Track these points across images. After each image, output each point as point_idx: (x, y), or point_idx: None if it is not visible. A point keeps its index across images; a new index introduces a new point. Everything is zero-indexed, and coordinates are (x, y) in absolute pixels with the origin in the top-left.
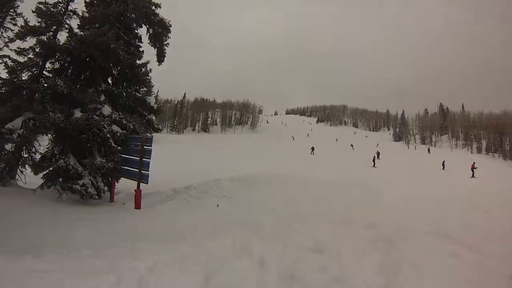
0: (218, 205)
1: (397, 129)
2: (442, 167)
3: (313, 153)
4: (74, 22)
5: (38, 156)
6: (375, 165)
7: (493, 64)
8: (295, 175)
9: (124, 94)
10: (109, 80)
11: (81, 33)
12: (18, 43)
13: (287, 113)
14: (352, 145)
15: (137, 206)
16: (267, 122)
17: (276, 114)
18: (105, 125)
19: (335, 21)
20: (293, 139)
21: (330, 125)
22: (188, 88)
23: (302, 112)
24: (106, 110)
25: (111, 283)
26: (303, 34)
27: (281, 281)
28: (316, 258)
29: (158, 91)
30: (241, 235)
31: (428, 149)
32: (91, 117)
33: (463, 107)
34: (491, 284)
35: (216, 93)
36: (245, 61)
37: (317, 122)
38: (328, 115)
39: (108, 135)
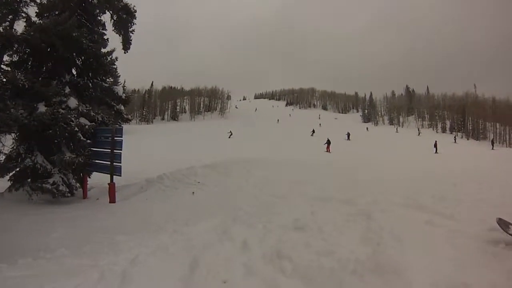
0: (193, 192)
1: (366, 110)
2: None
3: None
4: (32, 10)
5: (2, 157)
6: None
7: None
8: (268, 158)
9: (90, 85)
10: (74, 71)
11: (40, 21)
12: None
13: (256, 97)
14: (313, 131)
15: (112, 200)
16: (236, 107)
17: (244, 99)
18: (72, 118)
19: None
20: (278, 121)
21: (299, 108)
22: (156, 76)
23: (271, 96)
24: (72, 102)
25: (94, 279)
26: (286, 15)
27: (268, 261)
28: (299, 235)
29: (125, 81)
30: (220, 220)
31: (396, 129)
32: (57, 110)
33: (428, 89)
34: (463, 243)
35: (188, 79)
36: (224, 43)
37: (286, 105)
38: (297, 98)
39: (76, 129)
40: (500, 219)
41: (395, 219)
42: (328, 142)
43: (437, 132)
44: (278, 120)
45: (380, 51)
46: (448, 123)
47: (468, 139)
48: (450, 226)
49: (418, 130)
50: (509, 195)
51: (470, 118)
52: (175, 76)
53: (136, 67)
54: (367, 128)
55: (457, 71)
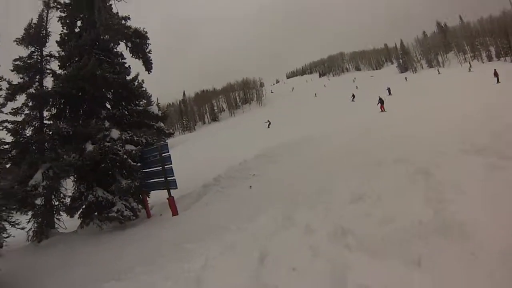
0: (250, 186)
1: (400, 60)
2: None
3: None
4: (54, 65)
5: (68, 200)
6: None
7: None
8: (312, 136)
9: (126, 112)
10: (108, 105)
11: (64, 72)
12: (10, 105)
13: (288, 77)
14: (353, 96)
15: (174, 212)
16: (272, 92)
17: (277, 82)
18: (119, 148)
19: None
20: (315, 96)
21: (333, 76)
22: (186, 83)
23: (302, 72)
24: (115, 133)
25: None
26: None
27: (332, 239)
28: (359, 207)
29: (157, 99)
30: (280, 208)
31: (438, 70)
32: (103, 145)
33: (461, 18)
34: None
35: (216, 78)
36: (245, 32)
37: (319, 77)
38: (328, 67)
39: (125, 156)
40: None
41: (455, 169)
42: (381, 101)
43: (483, 62)
44: (315, 94)
45: None
46: (493, 49)
47: None
48: None
49: (470, 64)
50: None
51: None
52: (205, 77)
53: (165, 82)
54: (405, 78)
55: None
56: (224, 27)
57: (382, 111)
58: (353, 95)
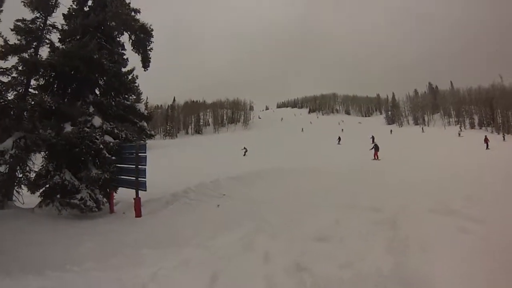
0: (218, 205)
1: (389, 112)
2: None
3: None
4: (55, 36)
5: (33, 175)
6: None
7: (478, 40)
8: (291, 167)
9: (113, 103)
10: (97, 91)
11: (63, 46)
12: (0, 63)
13: (278, 106)
14: (339, 139)
15: (138, 214)
16: (259, 118)
17: (267, 109)
18: (97, 136)
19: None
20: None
21: (322, 115)
22: (178, 89)
23: (293, 104)
24: (97, 121)
25: None
26: (303, 21)
27: (289, 273)
28: (322, 246)
29: (147, 98)
30: (244, 232)
31: (422, 128)
32: (82, 129)
33: (451, 84)
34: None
35: (208, 91)
36: (242, 51)
37: (308, 112)
38: (319, 104)
39: (101, 146)
40: None
41: (423, 225)
42: (376, 147)
43: (464, 128)
44: (302, 129)
45: (400, 50)
46: (476, 118)
47: (498, 133)
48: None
49: (460, 129)
50: None
51: (499, 110)
52: (197, 88)
53: (157, 84)
54: (390, 131)
55: (481, 64)
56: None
57: (375, 158)
58: (339, 138)
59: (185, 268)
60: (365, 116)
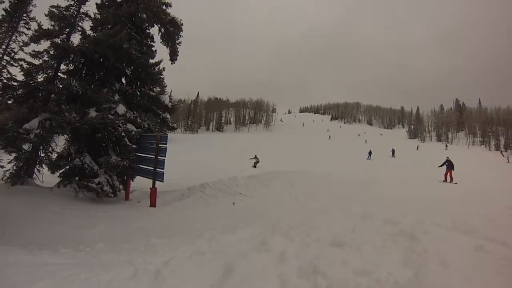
0: (234, 203)
1: (412, 126)
2: None
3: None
4: (87, 24)
5: (54, 156)
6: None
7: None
8: (311, 171)
9: (138, 93)
10: (123, 80)
11: (94, 34)
12: (33, 47)
13: (301, 111)
14: (370, 153)
15: (153, 204)
16: (281, 121)
17: (289, 112)
18: (120, 124)
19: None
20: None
21: (344, 123)
22: (205, 86)
23: (315, 110)
24: (121, 109)
25: (127, 275)
26: (340, 27)
27: (303, 275)
28: (337, 251)
29: (171, 91)
30: (259, 230)
31: (446, 145)
32: (106, 116)
33: (480, 102)
34: None
35: (235, 89)
36: (274, 53)
37: (331, 120)
38: (342, 112)
39: (123, 134)
40: None
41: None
42: (449, 165)
43: (489, 149)
44: (329, 137)
45: (430, 67)
46: (502, 139)
47: None
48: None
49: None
50: None
51: None
52: (221, 85)
53: (184, 78)
54: (417, 147)
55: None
56: (259, 44)
57: (445, 180)
58: (370, 152)
59: (199, 259)
60: (387, 128)
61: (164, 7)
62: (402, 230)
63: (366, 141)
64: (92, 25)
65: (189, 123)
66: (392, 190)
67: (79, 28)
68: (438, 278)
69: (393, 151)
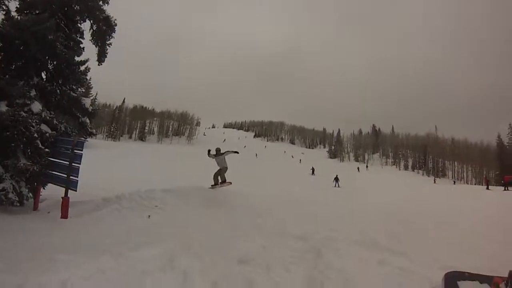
0: (149, 216)
1: (333, 146)
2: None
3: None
4: (13, 5)
5: None
6: None
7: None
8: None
9: (58, 92)
10: (43, 75)
11: (18, 17)
12: None
13: (225, 126)
14: (313, 170)
15: (64, 215)
16: (204, 135)
17: (213, 127)
18: (33, 124)
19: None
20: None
21: (267, 141)
22: (132, 91)
23: (240, 126)
24: (36, 107)
25: None
26: (286, 43)
27: None
28: (244, 270)
29: (97, 94)
30: (169, 247)
31: (358, 168)
32: (18, 113)
33: (393, 128)
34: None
35: (159, 98)
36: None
37: (254, 136)
38: (265, 130)
39: (36, 135)
40: (448, 273)
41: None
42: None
43: (399, 169)
44: (256, 155)
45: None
46: (410, 161)
47: (428, 176)
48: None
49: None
50: None
51: (430, 156)
52: (145, 93)
53: (113, 82)
54: (358, 168)
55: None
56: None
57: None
58: (313, 169)
59: (99, 278)
60: (309, 147)
61: (100, 2)
62: (311, 246)
63: (300, 160)
64: (18, 6)
65: (112, 130)
66: (320, 209)
67: (4, 7)
68: None
69: (312, 169)
